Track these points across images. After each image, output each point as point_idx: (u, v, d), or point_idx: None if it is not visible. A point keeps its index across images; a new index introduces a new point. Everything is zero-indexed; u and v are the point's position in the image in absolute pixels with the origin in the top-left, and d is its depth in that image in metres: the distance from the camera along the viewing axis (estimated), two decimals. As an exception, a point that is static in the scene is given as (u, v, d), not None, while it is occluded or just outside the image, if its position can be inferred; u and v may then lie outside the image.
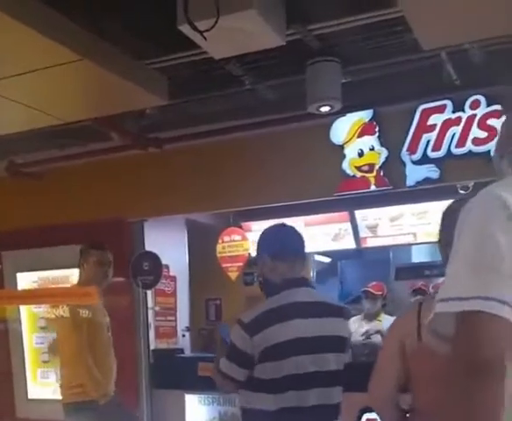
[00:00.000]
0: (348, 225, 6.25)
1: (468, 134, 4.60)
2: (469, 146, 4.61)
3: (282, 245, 2.75)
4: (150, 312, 6.06)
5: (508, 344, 1.14)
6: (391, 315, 5.96)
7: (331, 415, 2.71)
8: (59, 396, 6.09)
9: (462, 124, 4.60)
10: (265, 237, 2.87)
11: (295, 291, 2.68)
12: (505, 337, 1.13)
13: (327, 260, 8.00)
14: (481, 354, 1.12)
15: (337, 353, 2.68)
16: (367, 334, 5.84)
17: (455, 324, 1.18)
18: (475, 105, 4.54)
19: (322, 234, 6.43)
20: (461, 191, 5.16)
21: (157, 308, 6.20)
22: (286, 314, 2.60)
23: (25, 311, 6.41)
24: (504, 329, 1.13)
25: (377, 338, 5.73)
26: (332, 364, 2.65)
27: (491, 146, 4.49)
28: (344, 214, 6.20)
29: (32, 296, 6.13)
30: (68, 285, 6.07)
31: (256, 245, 2.91)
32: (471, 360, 1.13)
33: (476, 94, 4.51)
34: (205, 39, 3.21)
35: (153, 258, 5.75)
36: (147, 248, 5.85)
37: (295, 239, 2.80)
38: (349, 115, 4.87)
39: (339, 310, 2.84)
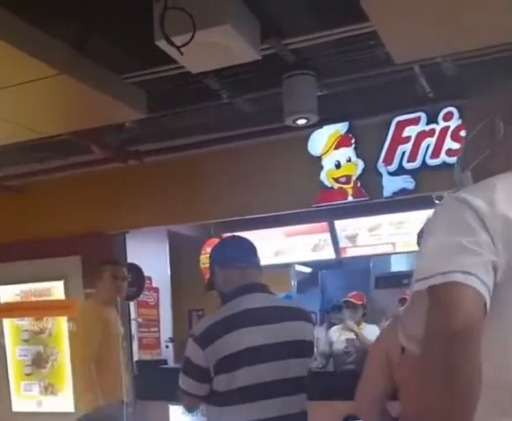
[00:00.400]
0: (328, 236, 6.33)
1: (442, 146, 4.70)
2: (443, 157, 4.70)
3: (229, 253, 2.69)
4: (133, 324, 6.08)
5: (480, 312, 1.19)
6: (372, 323, 6.03)
7: None
8: (42, 409, 6.15)
9: (436, 135, 4.71)
10: (214, 249, 2.82)
11: (246, 298, 2.54)
12: (476, 305, 1.18)
13: (308, 270, 8.06)
14: (458, 321, 1.15)
15: (299, 358, 2.54)
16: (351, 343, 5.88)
17: (427, 304, 1.22)
18: (448, 117, 4.65)
19: (302, 245, 6.51)
20: (437, 201, 5.24)
21: (140, 319, 6.23)
22: (237, 323, 2.47)
23: (8, 324, 6.41)
24: (475, 297, 1.18)
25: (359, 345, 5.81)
26: (294, 370, 2.51)
27: (465, 156, 4.58)
28: (324, 225, 6.28)
29: (15, 309, 6.16)
30: (50, 298, 6.11)
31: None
32: (449, 327, 1.16)
33: (449, 106, 4.61)
34: (182, 53, 3.27)
35: (136, 270, 5.78)
36: (129, 260, 5.88)
37: (244, 247, 2.72)
38: (326, 127, 4.96)
39: (300, 313, 2.69)
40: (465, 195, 1.25)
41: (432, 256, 1.24)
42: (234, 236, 2.96)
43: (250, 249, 2.72)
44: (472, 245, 1.19)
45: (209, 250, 6.22)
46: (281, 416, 2.47)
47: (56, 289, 6.10)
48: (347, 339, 5.90)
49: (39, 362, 6.30)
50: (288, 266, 7.22)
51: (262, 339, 2.46)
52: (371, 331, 5.88)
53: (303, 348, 2.59)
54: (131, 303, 5.98)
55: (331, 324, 6.30)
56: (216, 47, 3.33)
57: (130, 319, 5.99)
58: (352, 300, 5.99)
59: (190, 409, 2.82)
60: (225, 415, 2.46)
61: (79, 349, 4.51)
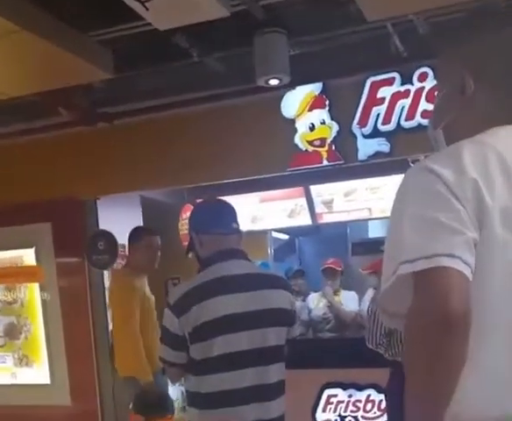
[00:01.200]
0: (303, 201, 6.28)
1: (417, 107, 4.63)
2: (418, 119, 4.63)
3: (206, 219, 2.62)
4: (107, 293, 6.00)
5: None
6: (349, 290, 6.03)
7: (271, 394, 2.51)
8: (17, 381, 6.08)
9: (411, 96, 4.63)
10: (192, 213, 2.78)
11: (223, 264, 2.51)
12: (467, 289, 1.16)
13: (285, 237, 8.04)
14: (451, 309, 1.13)
15: (277, 326, 2.52)
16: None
17: (413, 286, 1.19)
18: (423, 78, 4.57)
19: (278, 210, 6.46)
20: (412, 165, 5.21)
21: (113, 288, 6.15)
22: (213, 290, 2.44)
23: (-21, 294, 6.32)
24: (463, 282, 1.16)
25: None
26: (272, 339, 2.49)
27: (439, 119, 4.53)
28: (299, 189, 6.22)
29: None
30: (21, 265, 6.03)
31: None
32: (441, 313, 1.13)
33: (423, 66, 4.53)
34: (147, 8, 3.18)
35: (108, 237, 5.69)
36: (101, 227, 5.79)
37: (223, 212, 2.67)
38: (299, 88, 4.86)
39: (278, 280, 2.67)
40: (433, 165, 1.22)
41: (411, 234, 1.20)
42: (213, 200, 2.89)
43: (229, 214, 2.66)
44: (451, 221, 1.17)
45: (186, 216, 6.23)
46: (259, 385, 2.46)
47: (27, 257, 6.00)
48: (326, 306, 5.89)
49: (12, 333, 6.22)
50: (265, 233, 7.18)
51: (239, 307, 2.44)
52: (349, 297, 5.90)
53: (282, 316, 2.56)
54: (105, 272, 5.89)
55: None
56: (183, 3, 3.25)
57: (104, 288, 5.91)
58: (332, 266, 5.98)
59: (173, 379, 2.80)
60: (203, 383, 2.44)
61: (122, 318, 4.43)
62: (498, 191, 1.20)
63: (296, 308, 5.92)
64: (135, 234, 4.63)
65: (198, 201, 2.71)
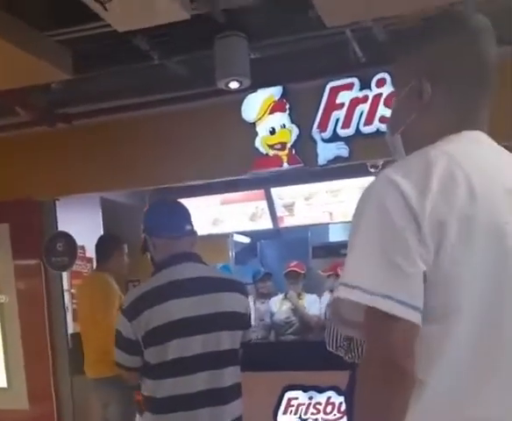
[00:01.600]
0: (265, 204, 6.30)
1: (375, 112, 4.68)
2: (376, 124, 4.69)
3: (158, 222, 2.60)
4: (66, 295, 5.94)
5: (413, 346, 1.17)
6: (310, 293, 6.07)
7: (225, 398, 2.51)
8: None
9: (369, 102, 4.69)
10: (145, 215, 2.76)
11: (176, 268, 2.50)
12: (414, 342, 1.17)
13: (246, 240, 8.05)
14: (397, 361, 1.14)
15: (231, 330, 2.52)
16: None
17: (363, 314, 1.20)
18: (381, 83, 4.63)
19: (239, 214, 6.47)
20: (371, 170, 5.29)
21: (73, 290, 6.09)
22: (166, 294, 2.43)
23: None
24: (413, 333, 1.17)
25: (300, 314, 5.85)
26: (226, 343, 2.49)
27: (398, 124, 4.60)
28: (261, 192, 6.24)
29: None
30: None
31: None
32: (385, 364, 1.15)
33: (381, 72, 4.59)
34: (106, 9, 3.17)
35: (67, 238, 5.64)
36: (61, 229, 5.72)
37: (176, 214, 2.65)
38: (260, 92, 4.88)
39: (232, 284, 2.64)
40: (394, 175, 1.21)
41: (360, 256, 1.21)
42: (166, 201, 2.91)
43: (182, 216, 2.64)
44: (403, 257, 1.16)
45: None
46: (213, 388, 2.46)
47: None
48: (290, 309, 5.92)
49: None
50: (226, 236, 7.19)
51: (192, 311, 2.43)
52: (311, 301, 5.94)
53: (235, 320, 2.56)
54: (64, 274, 5.83)
55: (260, 295, 6.31)
56: (142, 5, 3.24)
57: (63, 291, 5.85)
58: (295, 269, 6.01)
59: (130, 383, 2.78)
60: (159, 388, 2.44)
61: (98, 316, 4.47)
62: (459, 202, 1.19)
63: (260, 311, 6.02)
64: (115, 242, 4.78)
65: (156, 201, 2.71)
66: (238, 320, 2.58)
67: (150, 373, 2.46)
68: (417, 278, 1.17)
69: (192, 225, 2.66)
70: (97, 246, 4.85)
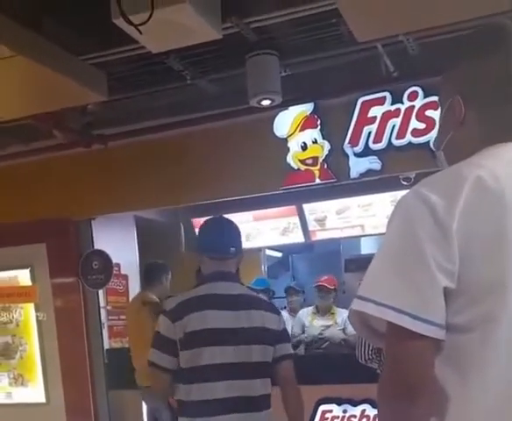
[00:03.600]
0: (296, 219, 6.31)
1: (408, 126, 4.68)
2: (409, 137, 4.69)
3: (211, 242, 2.80)
4: (102, 312, 6.03)
5: (432, 362, 1.16)
6: (343, 307, 6.02)
7: (253, 407, 2.66)
8: (12, 401, 6.08)
9: (401, 115, 4.68)
10: (199, 231, 2.95)
11: (216, 284, 2.73)
12: (432, 356, 1.16)
13: (278, 254, 8.06)
14: (408, 378, 1.14)
15: (260, 344, 2.68)
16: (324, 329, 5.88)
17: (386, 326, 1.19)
18: (413, 97, 4.63)
19: (271, 229, 6.48)
20: (404, 182, 5.26)
21: (109, 307, 6.17)
22: (204, 304, 2.65)
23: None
24: (430, 347, 1.15)
25: (333, 332, 5.81)
26: (256, 356, 2.66)
27: (430, 137, 4.59)
28: (292, 208, 6.25)
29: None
30: (16, 285, 6.04)
31: None
32: (398, 382, 1.14)
33: (413, 85, 4.60)
34: (140, 32, 3.22)
35: (103, 256, 5.74)
36: (96, 247, 5.82)
37: (223, 236, 2.82)
38: (291, 108, 4.92)
39: (262, 303, 2.84)
40: (423, 189, 1.21)
41: (381, 273, 1.20)
42: (217, 220, 3.03)
43: (229, 238, 2.83)
44: (422, 270, 1.15)
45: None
46: (243, 396, 2.62)
47: (22, 278, 6.03)
48: (323, 326, 5.88)
49: (7, 353, 6.22)
50: (258, 250, 7.20)
51: (227, 323, 2.64)
52: (343, 316, 5.87)
53: (264, 336, 2.71)
54: (100, 291, 5.91)
55: (290, 309, 6.35)
56: (175, 26, 3.29)
57: (99, 307, 5.94)
58: (325, 284, 5.97)
59: (160, 389, 2.84)
60: (190, 392, 2.61)
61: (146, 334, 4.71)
62: (490, 215, 1.18)
63: (289, 324, 6.00)
64: (164, 270, 5.29)
65: (206, 220, 2.97)
66: (267, 336, 2.73)
67: (182, 377, 2.63)
68: (435, 292, 1.15)
69: (237, 246, 2.84)
70: (146, 271, 5.35)
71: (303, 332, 5.96)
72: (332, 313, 5.95)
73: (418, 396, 1.13)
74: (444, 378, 1.18)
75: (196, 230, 6.29)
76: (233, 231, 2.86)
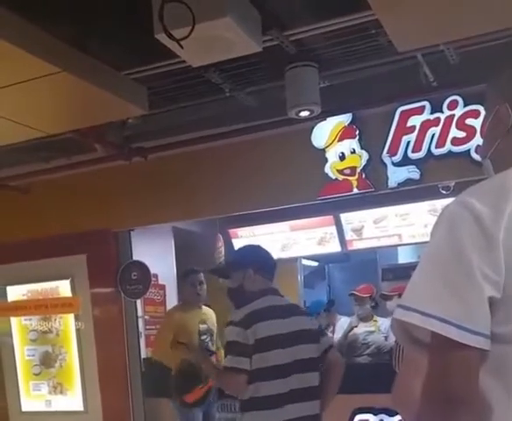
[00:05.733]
0: (333, 229, 6.30)
1: (447, 134, 4.65)
2: (448, 146, 4.66)
3: (263, 261, 3.39)
4: (140, 321, 6.09)
5: (477, 372, 1.15)
6: (382, 316, 5.99)
7: (312, 395, 3.17)
8: (51, 409, 6.18)
9: (441, 124, 4.66)
10: (247, 253, 3.51)
11: (267, 298, 3.25)
12: (477, 367, 1.14)
13: (314, 264, 8.05)
14: (453, 388, 1.12)
15: (309, 343, 3.21)
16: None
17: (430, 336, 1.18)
18: (453, 106, 4.60)
19: (307, 239, 6.49)
20: (443, 191, 5.22)
21: (147, 317, 6.23)
22: (264, 315, 3.16)
23: (16, 324, 6.44)
24: (474, 357, 1.14)
25: (377, 338, 5.79)
26: (307, 353, 3.18)
27: (470, 145, 4.55)
28: (329, 218, 6.25)
29: (19, 308, 6.21)
30: (57, 296, 6.15)
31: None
32: (442, 392, 1.13)
33: (453, 94, 4.57)
34: (182, 47, 3.26)
35: (142, 267, 5.81)
36: (135, 258, 5.89)
37: (271, 257, 3.48)
38: (329, 119, 4.92)
39: (301, 309, 3.76)
40: (468, 198, 1.19)
41: (424, 282, 1.19)
42: (259, 245, 3.59)
43: (273, 258, 3.49)
44: (467, 280, 1.13)
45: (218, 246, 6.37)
46: (299, 388, 3.11)
47: (62, 288, 6.13)
48: (366, 331, 5.87)
49: (47, 362, 6.33)
50: (295, 260, 7.21)
51: (285, 328, 3.15)
52: (386, 324, 5.83)
53: (312, 335, 3.25)
54: (138, 301, 5.98)
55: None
56: (216, 40, 3.32)
57: (137, 317, 6.00)
58: (357, 293, 5.95)
59: (238, 389, 3.21)
60: (261, 389, 3.08)
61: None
62: None
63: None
64: (183, 275, 5.36)
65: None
66: (313, 335, 3.26)
67: (253, 377, 3.08)
68: (480, 302, 1.13)
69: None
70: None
71: (346, 339, 5.94)
72: (375, 321, 5.93)
73: (462, 406, 1.12)
74: (488, 388, 1.16)
75: (233, 240, 6.45)
76: (274, 261, 3.47)
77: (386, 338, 5.75)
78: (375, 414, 4.90)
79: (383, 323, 5.86)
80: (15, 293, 6.36)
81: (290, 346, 3.14)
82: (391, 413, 4.83)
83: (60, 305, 6.11)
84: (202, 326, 5.16)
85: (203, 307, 5.29)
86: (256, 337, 3.08)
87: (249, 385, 3.10)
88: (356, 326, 5.91)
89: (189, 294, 5.20)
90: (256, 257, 3.42)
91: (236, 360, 3.11)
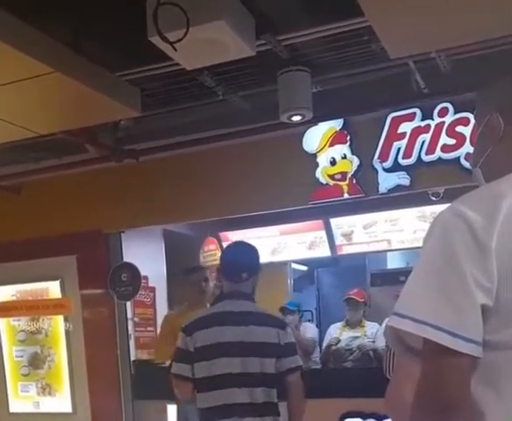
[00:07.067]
0: (323, 233, 6.33)
1: (437, 141, 4.70)
2: (438, 153, 4.70)
3: (226, 265, 3.23)
4: (129, 323, 6.08)
5: (469, 379, 1.15)
6: (370, 321, 5.99)
7: (258, 412, 3.00)
8: (39, 410, 6.15)
9: (431, 131, 4.70)
10: (221, 255, 3.52)
11: (227, 302, 3.12)
12: (469, 373, 1.15)
13: (304, 268, 8.07)
14: (446, 395, 1.13)
15: (263, 357, 3.01)
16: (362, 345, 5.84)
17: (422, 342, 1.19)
18: (443, 113, 4.65)
19: (297, 243, 6.51)
20: (432, 198, 5.26)
21: (136, 319, 6.22)
22: (214, 321, 3.06)
23: (4, 325, 6.41)
24: (465, 364, 1.14)
25: (361, 342, 5.78)
26: (258, 367, 2.99)
27: (460, 152, 4.59)
28: (319, 222, 6.28)
29: (9, 309, 6.17)
30: (47, 297, 6.12)
31: None
32: (434, 399, 1.14)
33: (444, 102, 4.61)
34: (175, 50, 3.27)
35: (132, 269, 5.79)
36: (125, 260, 5.88)
37: (238, 263, 3.18)
38: (321, 124, 4.95)
39: (268, 318, 3.17)
40: (461, 206, 1.20)
41: (417, 290, 1.20)
42: (236, 244, 3.63)
43: (244, 264, 3.18)
44: (459, 287, 1.14)
45: (208, 249, 6.37)
46: (245, 403, 2.97)
47: (52, 289, 6.10)
48: (351, 337, 5.86)
49: (35, 363, 6.29)
50: (284, 264, 7.22)
51: (232, 337, 3.00)
52: (373, 330, 5.84)
53: (268, 350, 3.03)
54: (128, 303, 5.96)
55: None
56: (210, 43, 3.33)
57: (126, 319, 5.99)
58: (354, 297, 5.94)
59: (185, 396, 3.21)
60: (205, 399, 3.01)
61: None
62: None
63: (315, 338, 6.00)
64: (184, 272, 5.19)
65: (229, 244, 3.47)
66: (270, 349, 3.04)
67: (200, 386, 3.02)
68: (473, 309, 1.14)
69: (250, 270, 3.17)
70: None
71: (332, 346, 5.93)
72: (362, 326, 5.92)
73: (455, 412, 1.13)
74: (479, 395, 1.17)
75: (224, 244, 6.47)
76: (248, 257, 3.23)
77: (373, 343, 5.75)
78: (364, 418, 4.91)
79: (372, 328, 5.86)
80: (3, 293, 6.32)
81: (238, 357, 2.98)
82: (379, 417, 4.84)
83: (52, 306, 6.09)
84: None
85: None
86: (196, 345, 3.00)
87: (197, 393, 3.03)
88: (339, 341, 5.89)
89: (193, 293, 4.95)
90: (222, 259, 3.37)
91: (177, 366, 3.06)
